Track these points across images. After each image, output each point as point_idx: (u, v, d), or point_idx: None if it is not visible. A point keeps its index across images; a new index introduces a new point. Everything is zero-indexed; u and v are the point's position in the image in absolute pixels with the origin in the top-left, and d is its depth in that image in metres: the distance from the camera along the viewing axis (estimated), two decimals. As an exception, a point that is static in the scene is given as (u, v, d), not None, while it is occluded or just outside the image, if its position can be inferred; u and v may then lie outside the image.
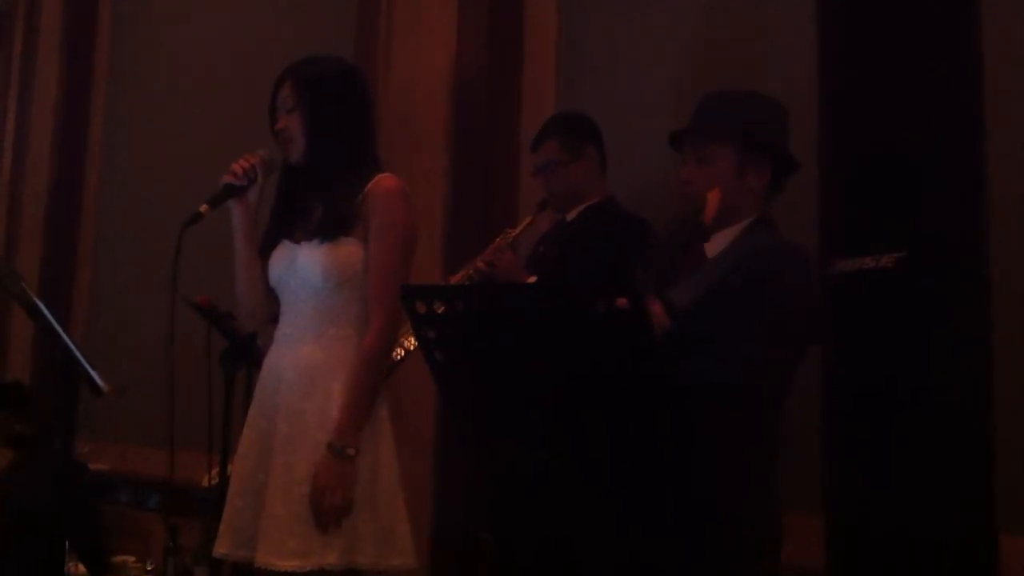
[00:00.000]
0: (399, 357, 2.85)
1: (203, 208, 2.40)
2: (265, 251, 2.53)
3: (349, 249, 2.40)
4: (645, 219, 3.06)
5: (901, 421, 1.91)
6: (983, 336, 1.95)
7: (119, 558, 4.51)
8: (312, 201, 2.47)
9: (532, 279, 3.06)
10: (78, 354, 2.67)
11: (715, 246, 2.28)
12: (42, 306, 2.71)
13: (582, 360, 1.91)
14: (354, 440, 2.32)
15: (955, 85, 1.97)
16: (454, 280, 3.17)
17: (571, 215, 3.20)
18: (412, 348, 2.88)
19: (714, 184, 2.24)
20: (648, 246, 2.67)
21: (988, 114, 2.01)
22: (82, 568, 4.25)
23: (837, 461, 2.02)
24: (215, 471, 3.13)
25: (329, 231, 2.40)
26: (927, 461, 1.90)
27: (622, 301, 1.81)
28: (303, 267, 2.41)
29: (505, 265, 3.04)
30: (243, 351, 3.17)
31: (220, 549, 2.41)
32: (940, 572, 1.90)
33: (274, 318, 2.53)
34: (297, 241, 2.46)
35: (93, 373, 2.70)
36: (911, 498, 1.90)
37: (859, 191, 1.99)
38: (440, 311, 1.99)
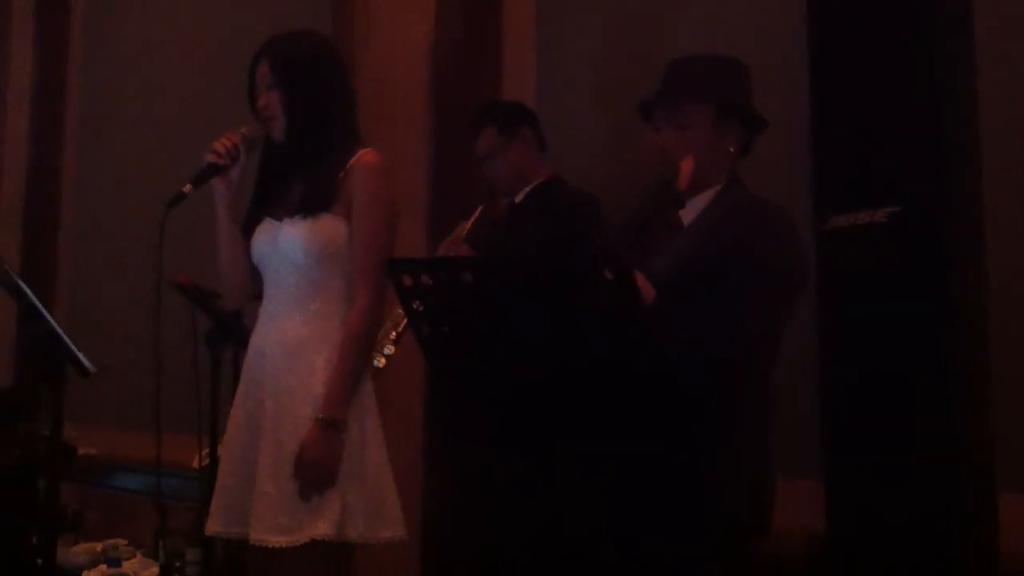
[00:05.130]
0: (381, 365, 2.83)
1: (186, 188, 2.38)
2: (248, 229, 2.51)
3: (331, 224, 2.39)
4: (593, 194, 3.07)
5: (896, 379, 1.92)
6: (979, 289, 1.96)
7: (111, 541, 4.51)
8: (294, 178, 2.46)
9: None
10: (64, 336, 2.66)
11: (689, 213, 2.28)
12: (26, 288, 2.69)
13: (571, 332, 1.91)
14: (342, 413, 2.32)
15: (946, 45, 1.97)
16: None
17: (519, 197, 3.22)
18: (392, 353, 2.87)
19: (692, 147, 2.23)
20: (599, 222, 2.67)
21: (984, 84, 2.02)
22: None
23: (836, 423, 2.03)
24: (205, 451, 3.12)
25: (311, 207, 2.39)
26: (925, 420, 1.91)
27: (608, 274, 1.82)
28: (285, 243, 2.41)
29: None
30: (228, 330, 3.15)
31: (213, 527, 2.41)
32: (942, 532, 1.91)
33: (258, 296, 2.52)
34: (279, 218, 2.45)
35: (80, 354, 2.69)
36: (911, 459, 1.91)
37: (852, 150, 2.00)
38: (427, 284, 1.99)
